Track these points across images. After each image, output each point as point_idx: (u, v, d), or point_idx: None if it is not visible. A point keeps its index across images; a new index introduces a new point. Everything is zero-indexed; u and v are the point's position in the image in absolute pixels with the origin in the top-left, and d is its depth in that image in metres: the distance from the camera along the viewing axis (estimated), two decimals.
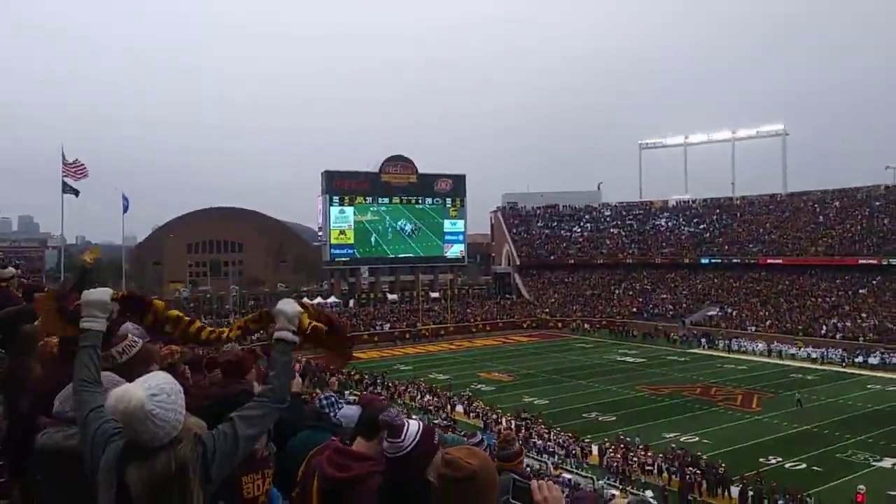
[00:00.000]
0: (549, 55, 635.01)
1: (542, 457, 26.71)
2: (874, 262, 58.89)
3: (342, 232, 72.60)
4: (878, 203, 67.06)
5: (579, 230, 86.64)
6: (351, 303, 69.04)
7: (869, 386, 40.02)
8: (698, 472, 23.56)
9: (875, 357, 46.34)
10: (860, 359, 46.71)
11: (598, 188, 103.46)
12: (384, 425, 2.33)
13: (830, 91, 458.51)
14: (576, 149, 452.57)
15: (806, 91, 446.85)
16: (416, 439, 2.25)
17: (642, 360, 50.44)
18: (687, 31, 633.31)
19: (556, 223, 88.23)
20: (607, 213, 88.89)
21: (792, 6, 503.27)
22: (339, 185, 72.67)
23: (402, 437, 2.24)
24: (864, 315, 53.89)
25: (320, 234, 73.80)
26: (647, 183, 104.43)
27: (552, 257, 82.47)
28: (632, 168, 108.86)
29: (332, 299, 67.07)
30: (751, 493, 21.96)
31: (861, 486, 21.39)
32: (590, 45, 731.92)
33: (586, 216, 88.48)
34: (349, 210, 73.16)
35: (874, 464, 25.50)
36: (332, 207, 72.03)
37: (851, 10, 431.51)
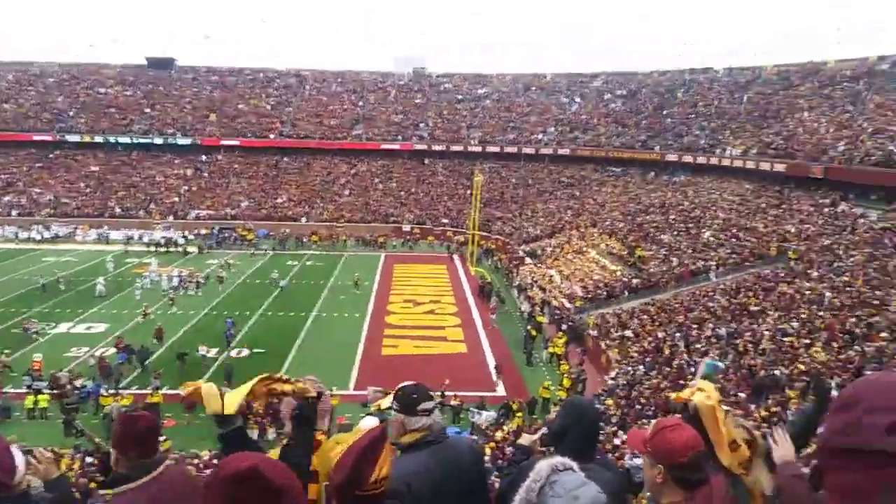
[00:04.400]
0: None
1: None
2: (49, 138, 60.05)
3: None
4: (52, 80, 67.84)
5: None
6: None
7: (45, 259, 41.77)
8: None
9: (50, 231, 48.39)
10: (36, 234, 47.92)
11: None
12: None
13: None
14: None
15: None
16: None
17: None
18: None
19: None
20: None
21: None
22: None
23: None
24: (38, 191, 54.89)
25: None
26: None
27: None
28: None
29: None
30: None
31: (37, 355, 22.99)
32: None
33: None
34: None
35: (50, 331, 27.47)
36: None
37: None
